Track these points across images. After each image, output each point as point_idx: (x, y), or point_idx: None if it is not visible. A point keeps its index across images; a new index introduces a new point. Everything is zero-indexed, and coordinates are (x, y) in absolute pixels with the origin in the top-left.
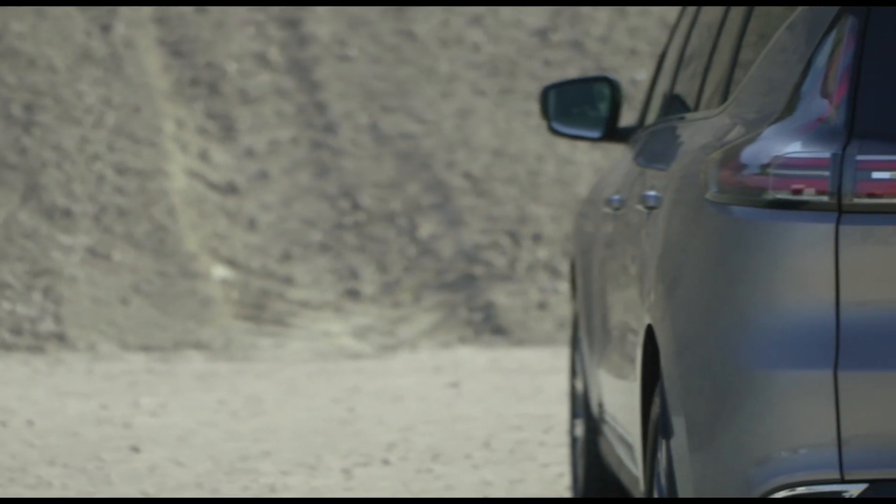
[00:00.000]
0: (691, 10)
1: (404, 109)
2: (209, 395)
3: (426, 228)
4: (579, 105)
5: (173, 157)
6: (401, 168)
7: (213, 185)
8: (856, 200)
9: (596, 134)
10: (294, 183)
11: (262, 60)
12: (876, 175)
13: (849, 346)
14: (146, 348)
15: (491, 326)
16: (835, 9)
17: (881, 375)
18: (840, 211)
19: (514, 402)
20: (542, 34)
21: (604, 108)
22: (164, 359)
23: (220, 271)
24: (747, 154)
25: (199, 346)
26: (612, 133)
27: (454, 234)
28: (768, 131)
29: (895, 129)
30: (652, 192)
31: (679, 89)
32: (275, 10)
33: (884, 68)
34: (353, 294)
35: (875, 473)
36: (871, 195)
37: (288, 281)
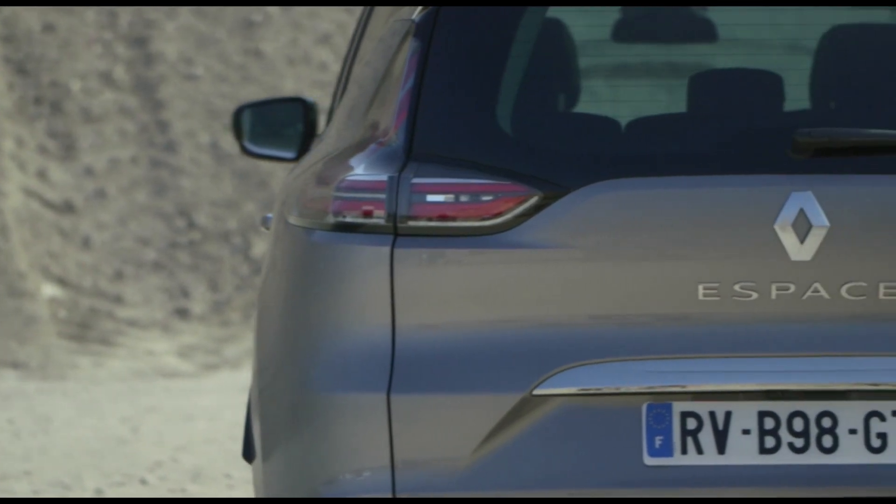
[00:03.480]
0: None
1: None
2: (1, 415)
3: (260, 247)
4: (274, 126)
5: (10, 176)
6: (239, 187)
7: (49, 204)
8: (411, 223)
9: (291, 154)
10: (131, 202)
11: (108, 79)
12: (430, 198)
13: (402, 369)
14: None
15: None
16: (405, 30)
17: (432, 398)
18: (395, 234)
19: None
20: None
21: (298, 128)
22: None
23: (49, 290)
24: (318, 178)
25: (16, 364)
26: (307, 154)
27: None
28: (340, 154)
29: (452, 152)
30: (270, 215)
31: (333, 106)
32: (123, 28)
33: (443, 91)
34: (183, 313)
35: (426, 495)
36: (425, 218)
37: (118, 300)
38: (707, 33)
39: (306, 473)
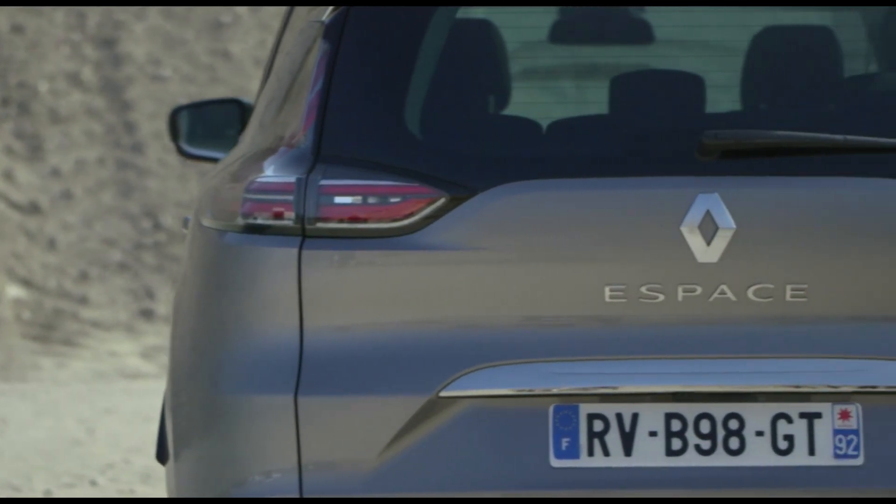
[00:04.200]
0: None
1: None
2: None
3: None
4: (211, 127)
5: None
6: None
7: (15, 205)
8: (319, 225)
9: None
10: (97, 203)
11: (76, 80)
12: (338, 200)
13: (310, 371)
14: None
15: None
16: (316, 31)
17: (338, 399)
18: (304, 235)
19: None
20: None
21: (235, 129)
22: None
23: (13, 291)
24: (231, 179)
25: None
26: None
27: None
28: (252, 156)
29: (361, 154)
30: (189, 216)
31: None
32: (91, 29)
33: (352, 93)
34: (147, 314)
35: (333, 496)
36: (333, 219)
37: (82, 301)
38: (643, 35)
39: (217, 474)
